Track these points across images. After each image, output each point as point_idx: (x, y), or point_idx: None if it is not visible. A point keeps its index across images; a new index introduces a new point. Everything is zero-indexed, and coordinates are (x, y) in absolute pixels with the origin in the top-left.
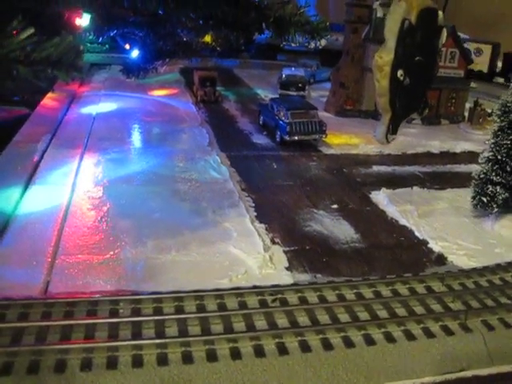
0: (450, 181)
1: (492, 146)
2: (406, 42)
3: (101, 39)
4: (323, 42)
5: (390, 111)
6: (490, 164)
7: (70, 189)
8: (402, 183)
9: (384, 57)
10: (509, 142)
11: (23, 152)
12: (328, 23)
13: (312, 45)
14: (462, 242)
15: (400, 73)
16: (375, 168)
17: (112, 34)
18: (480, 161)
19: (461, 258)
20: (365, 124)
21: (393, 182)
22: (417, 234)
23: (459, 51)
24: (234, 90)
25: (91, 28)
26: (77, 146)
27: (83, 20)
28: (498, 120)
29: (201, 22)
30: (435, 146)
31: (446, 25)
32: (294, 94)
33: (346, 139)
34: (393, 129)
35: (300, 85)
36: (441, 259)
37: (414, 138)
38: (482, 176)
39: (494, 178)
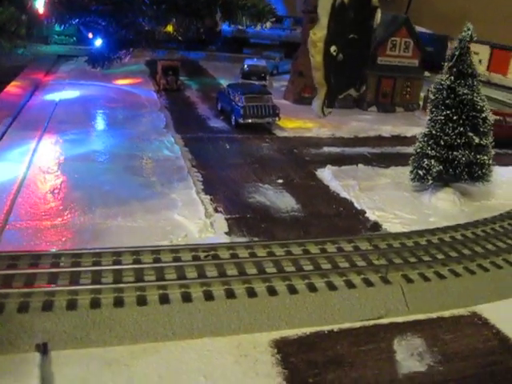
0: (396, 160)
1: (428, 121)
2: (337, 19)
3: (64, 28)
4: (268, 25)
5: (326, 85)
6: (425, 139)
7: (26, 165)
8: (348, 162)
9: (317, 33)
10: (442, 118)
11: None
12: (273, 7)
13: (258, 27)
14: (398, 212)
15: (333, 49)
16: (325, 149)
17: (74, 23)
18: (417, 137)
19: (395, 225)
20: None
21: (340, 160)
22: (356, 205)
23: (413, 41)
24: (198, 80)
25: (52, 15)
26: (37, 128)
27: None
28: (433, 97)
29: (154, 7)
30: (387, 130)
31: (378, 6)
32: (256, 83)
33: (300, 124)
34: (329, 102)
35: (262, 75)
36: (375, 226)
37: (367, 124)
38: (418, 151)
39: (429, 152)
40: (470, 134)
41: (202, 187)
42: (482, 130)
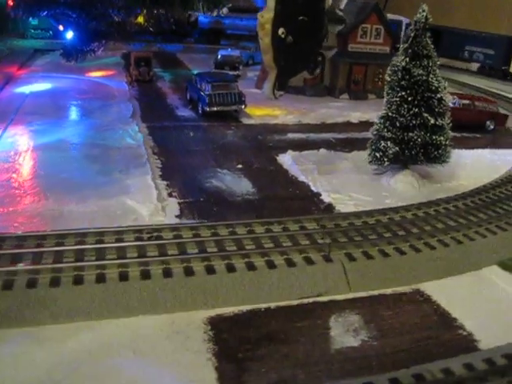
0: (361, 145)
1: (384, 103)
2: (285, 1)
3: (40, 22)
4: (225, 11)
5: (276, 68)
6: (382, 121)
7: None
8: (311, 147)
9: (265, 15)
10: (397, 99)
11: None
12: None
13: (215, 13)
14: (354, 194)
15: (281, 31)
16: (290, 135)
17: (43, 15)
18: (375, 119)
19: (349, 207)
20: (291, 98)
21: (303, 146)
22: (312, 188)
23: (384, 28)
24: (172, 71)
25: (19, 8)
26: (3, 120)
27: None
28: (389, 79)
29: None
30: (356, 116)
31: None
32: (229, 73)
33: (268, 111)
34: (279, 85)
35: (236, 65)
36: (329, 208)
37: (337, 110)
38: (375, 133)
39: (386, 134)
40: (425, 114)
41: (160, 173)
42: (437, 110)
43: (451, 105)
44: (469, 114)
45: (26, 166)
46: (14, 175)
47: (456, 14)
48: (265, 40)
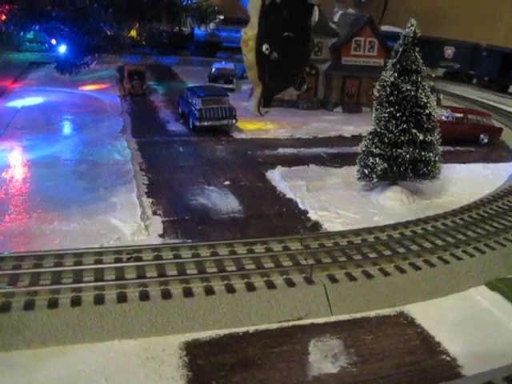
0: (352, 160)
1: (373, 119)
2: (268, 18)
3: (36, 35)
4: (212, 26)
5: (260, 84)
6: (371, 137)
7: None
8: (302, 163)
9: (248, 32)
10: (386, 115)
11: None
12: (216, 8)
13: (202, 28)
14: (342, 211)
15: (265, 47)
16: (280, 150)
17: (35, 29)
18: (364, 135)
19: (335, 225)
20: (285, 112)
21: (293, 161)
22: (300, 205)
23: (378, 41)
24: (166, 85)
25: (11, 22)
26: None
27: None
28: (378, 94)
29: (110, 11)
30: (349, 130)
31: (315, 4)
32: (223, 86)
33: (260, 125)
34: (264, 102)
35: (230, 78)
36: (316, 226)
37: (329, 124)
38: (364, 149)
39: (374, 150)
40: (414, 130)
41: (146, 190)
42: (426, 126)
43: (444, 118)
44: (462, 127)
45: (11, 183)
46: None
47: (451, 26)
48: (248, 56)
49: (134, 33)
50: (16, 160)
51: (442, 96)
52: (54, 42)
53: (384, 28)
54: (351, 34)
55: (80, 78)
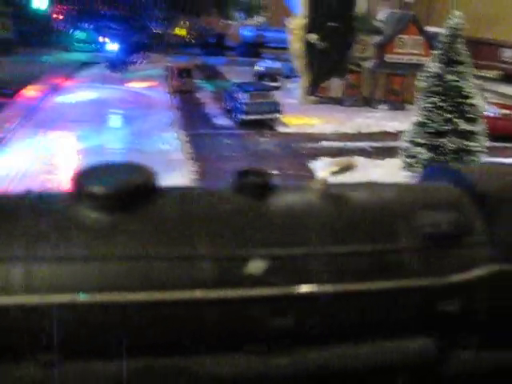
0: (395, 153)
1: (418, 110)
2: (316, 8)
3: (86, 36)
4: (261, 19)
5: (307, 73)
6: (415, 127)
7: (29, 159)
8: (346, 155)
9: (295, 21)
10: (429, 105)
11: None
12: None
13: (248, 21)
14: None
15: (313, 37)
16: (325, 143)
17: (87, 27)
18: (408, 126)
19: None
20: (329, 108)
21: (338, 153)
22: None
23: (423, 39)
24: (212, 83)
25: (67, 21)
26: (45, 126)
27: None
28: (422, 85)
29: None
30: (393, 126)
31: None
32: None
33: (305, 120)
34: (312, 90)
35: (275, 76)
36: None
37: (374, 120)
38: (408, 139)
39: (418, 140)
40: (457, 120)
41: (193, 177)
42: (469, 116)
43: (490, 114)
44: (508, 123)
45: (62, 169)
46: (49, 177)
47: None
48: (295, 45)
49: (183, 32)
50: (67, 148)
51: (487, 94)
52: (105, 40)
53: (431, 29)
54: (395, 31)
55: (129, 76)
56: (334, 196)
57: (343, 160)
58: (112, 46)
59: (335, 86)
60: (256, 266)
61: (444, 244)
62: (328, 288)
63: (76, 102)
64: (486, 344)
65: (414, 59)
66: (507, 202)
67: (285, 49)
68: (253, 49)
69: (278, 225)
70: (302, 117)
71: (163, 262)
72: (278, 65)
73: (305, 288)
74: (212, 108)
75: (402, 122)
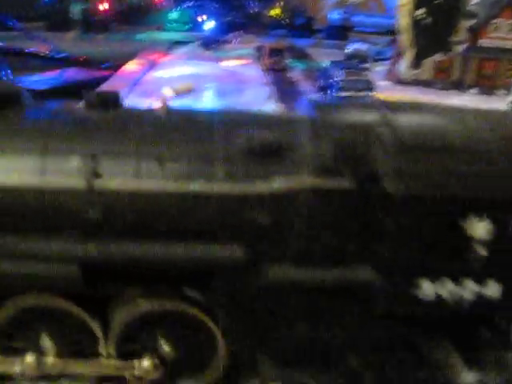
0: None
1: None
2: None
3: (179, 15)
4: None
5: (412, 48)
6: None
7: None
8: None
9: None
10: None
11: None
12: None
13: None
14: None
15: (420, 12)
16: None
17: (188, 6)
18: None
19: None
20: (421, 91)
21: None
22: None
23: None
24: (302, 62)
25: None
26: (147, 96)
27: None
28: None
29: None
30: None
31: None
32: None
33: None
34: (414, 64)
35: (364, 58)
36: None
37: (464, 103)
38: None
39: None
40: None
41: None
42: None
43: None
44: None
45: None
46: None
47: None
48: (403, 21)
49: (277, 11)
50: None
51: None
52: (203, 18)
53: None
54: (490, 15)
55: (222, 55)
56: (174, 113)
57: (184, 84)
58: (208, 25)
59: (427, 67)
60: (77, 162)
61: (260, 158)
62: (135, 185)
63: (174, 77)
64: (303, 260)
65: (509, 44)
66: (331, 127)
67: (372, 33)
68: (339, 32)
69: (111, 129)
70: (392, 97)
71: None
72: (365, 46)
73: (113, 184)
74: (305, 86)
75: (491, 106)
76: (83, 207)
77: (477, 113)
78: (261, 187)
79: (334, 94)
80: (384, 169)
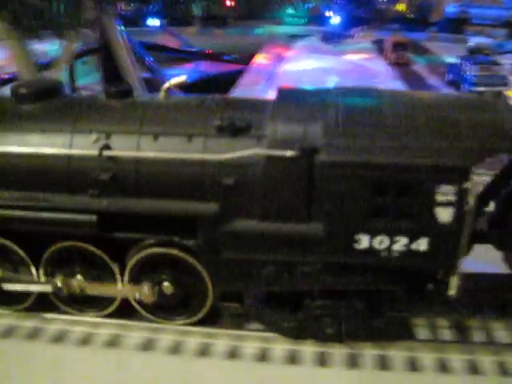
0: None
1: None
2: None
3: (296, 10)
4: None
5: None
6: None
7: None
8: None
9: None
10: None
11: (249, 90)
12: None
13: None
14: None
15: None
16: None
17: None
18: None
19: None
20: None
21: None
22: None
23: None
24: (423, 57)
25: None
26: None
27: None
28: None
29: None
30: None
31: None
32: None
33: None
34: None
35: (488, 52)
36: None
37: None
38: None
39: None
40: None
41: None
42: None
43: None
44: None
45: None
46: None
47: None
48: None
49: (402, 7)
50: None
51: None
52: (330, 14)
53: None
54: None
55: (341, 49)
56: (171, 100)
57: (179, 78)
58: (334, 20)
59: None
60: (94, 138)
61: (229, 134)
62: (135, 155)
63: (303, 70)
64: (261, 213)
65: None
66: (287, 108)
67: (488, 25)
68: (455, 25)
69: (122, 113)
70: None
71: None
72: (488, 41)
73: (119, 154)
74: (432, 80)
75: None
76: (97, 171)
77: (412, 95)
78: (228, 157)
79: (466, 88)
80: (321, 142)
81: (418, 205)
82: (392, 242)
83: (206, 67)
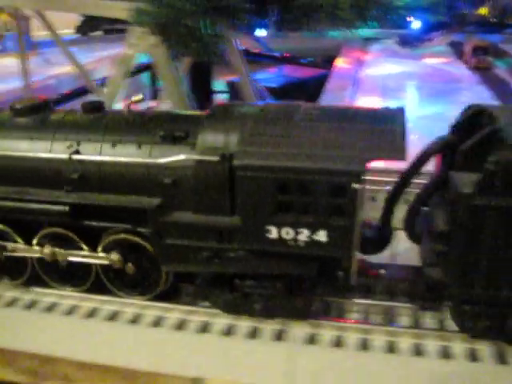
0: None
1: None
2: None
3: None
4: None
5: None
6: None
7: None
8: None
9: None
10: None
11: (338, 95)
12: None
13: None
14: None
15: None
16: None
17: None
18: None
19: None
20: None
21: None
22: None
23: None
24: (503, 60)
25: None
26: (374, 93)
27: None
28: None
29: None
30: None
31: None
32: None
33: None
34: None
35: None
36: None
37: None
38: None
39: None
40: None
41: None
42: None
43: None
44: None
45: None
46: None
47: None
48: None
49: (483, 10)
50: (410, 114)
51: None
52: (408, 19)
53: None
54: None
55: (417, 52)
56: (131, 113)
57: (138, 95)
58: (415, 24)
59: None
60: (68, 145)
61: (169, 142)
62: (98, 159)
63: (387, 74)
64: (197, 209)
65: None
66: (214, 121)
67: None
68: None
69: (92, 125)
70: None
71: None
72: None
73: (86, 158)
74: None
75: None
76: (69, 171)
77: (334, 109)
78: (167, 160)
79: None
80: (236, 149)
81: (315, 203)
82: (297, 233)
83: (289, 71)
